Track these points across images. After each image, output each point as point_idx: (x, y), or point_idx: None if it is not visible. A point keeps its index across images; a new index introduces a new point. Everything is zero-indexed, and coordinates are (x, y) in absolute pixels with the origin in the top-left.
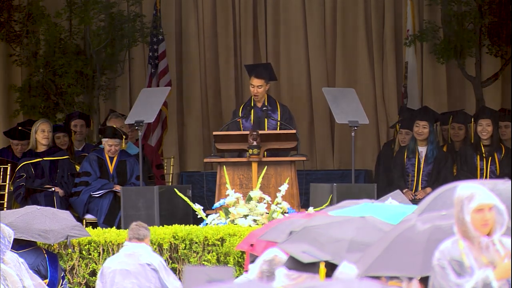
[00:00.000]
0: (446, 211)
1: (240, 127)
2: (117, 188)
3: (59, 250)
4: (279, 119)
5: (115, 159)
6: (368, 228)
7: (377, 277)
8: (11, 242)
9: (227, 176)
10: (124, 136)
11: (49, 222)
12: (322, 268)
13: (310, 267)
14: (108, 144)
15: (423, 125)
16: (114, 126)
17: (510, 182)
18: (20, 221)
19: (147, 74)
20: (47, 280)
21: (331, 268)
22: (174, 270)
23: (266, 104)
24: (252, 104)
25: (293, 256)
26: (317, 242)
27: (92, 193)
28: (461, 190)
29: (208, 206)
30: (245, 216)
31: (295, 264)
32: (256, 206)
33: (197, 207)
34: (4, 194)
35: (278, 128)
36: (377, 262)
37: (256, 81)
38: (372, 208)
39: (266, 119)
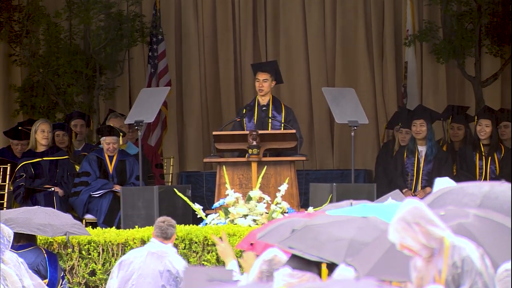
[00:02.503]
0: (444, 211)
1: (243, 128)
2: (117, 188)
3: (58, 250)
4: (283, 121)
5: (114, 158)
6: (369, 228)
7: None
8: (11, 241)
9: (226, 176)
10: (121, 134)
11: (49, 218)
12: (324, 269)
13: (313, 267)
14: (106, 143)
15: (420, 123)
16: (112, 125)
17: (507, 184)
18: (20, 217)
19: (147, 74)
20: (46, 280)
21: (330, 267)
22: None
23: (270, 104)
24: (256, 104)
25: (297, 255)
26: (317, 241)
27: (91, 193)
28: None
29: (208, 206)
30: (245, 216)
31: (298, 264)
32: (256, 206)
33: (197, 207)
34: (4, 194)
35: (282, 129)
36: (379, 266)
37: (261, 75)
38: (373, 208)
39: (269, 120)
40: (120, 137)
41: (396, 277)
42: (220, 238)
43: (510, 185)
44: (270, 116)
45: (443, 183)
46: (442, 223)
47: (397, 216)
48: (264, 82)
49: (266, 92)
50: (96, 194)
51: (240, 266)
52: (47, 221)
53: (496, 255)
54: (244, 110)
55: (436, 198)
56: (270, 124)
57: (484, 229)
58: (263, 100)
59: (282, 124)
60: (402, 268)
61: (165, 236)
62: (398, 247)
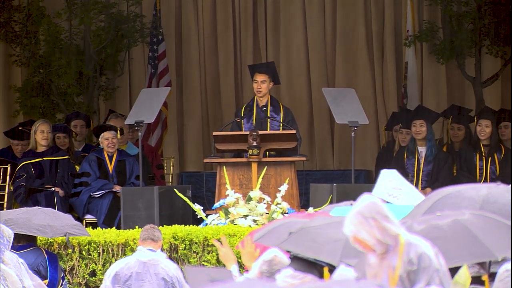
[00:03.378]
0: (440, 212)
1: (241, 128)
2: (117, 188)
3: (59, 250)
4: (281, 121)
5: (114, 158)
6: None
7: None
8: (11, 242)
9: (227, 177)
10: (118, 129)
11: (48, 218)
12: (326, 274)
13: (314, 270)
14: (105, 138)
15: (420, 124)
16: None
17: (504, 186)
18: (20, 217)
19: (147, 74)
20: (47, 281)
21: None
22: None
23: (269, 104)
24: (255, 105)
25: (299, 257)
26: (314, 243)
27: (91, 194)
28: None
29: (208, 207)
30: (245, 216)
31: (300, 265)
32: (256, 206)
33: (197, 207)
34: (4, 194)
35: (281, 130)
36: None
37: (259, 76)
38: None
39: (268, 120)
40: (118, 132)
41: None
42: (220, 242)
43: (508, 187)
44: (268, 116)
45: (388, 175)
46: (397, 221)
47: (354, 210)
48: (262, 84)
49: (264, 93)
50: (96, 194)
51: (240, 266)
52: (47, 222)
53: (493, 248)
54: (243, 110)
55: (434, 203)
56: (268, 124)
57: (480, 224)
58: (262, 100)
59: (281, 125)
60: None
61: (152, 237)
62: (352, 241)
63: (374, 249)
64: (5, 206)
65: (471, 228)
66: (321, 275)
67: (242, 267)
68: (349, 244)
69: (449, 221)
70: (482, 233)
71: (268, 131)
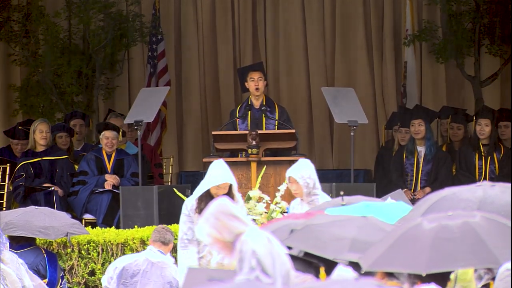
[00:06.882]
0: (452, 211)
1: (236, 128)
2: (107, 178)
3: (58, 249)
4: (277, 118)
5: (113, 157)
6: (369, 227)
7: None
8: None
9: None
10: (120, 130)
11: (48, 219)
12: (323, 273)
13: (312, 270)
14: (105, 137)
15: (419, 123)
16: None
17: (498, 187)
18: (19, 219)
19: (146, 74)
20: (46, 280)
21: (329, 269)
22: None
23: (264, 104)
24: (250, 103)
25: (297, 257)
26: (319, 241)
27: (93, 189)
28: None
29: None
30: None
31: (298, 266)
32: (255, 206)
33: None
34: (4, 194)
35: (276, 129)
36: (383, 258)
37: (256, 74)
38: (371, 207)
39: (264, 119)
40: (120, 134)
41: (397, 268)
42: None
43: (503, 188)
44: (268, 116)
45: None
46: (247, 219)
47: (205, 212)
48: (259, 81)
49: (262, 91)
50: (97, 191)
51: None
52: (48, 223)
53: (500, 255)
54: (238, 111)
55: (430, 206)
56: (264, 124)
57: (489, 228)
58: (258, 100)
59: (277, 123)
60: (404, 260)
61: (163, 240)
62: (210, 243)
63: (224, 248)
64: (4, 205)
65: (480, 232)
66: (317, 275)
67: None
68: (355, 242)
69: (459, 222)
70: (490, 238)
71: (268, 131)
